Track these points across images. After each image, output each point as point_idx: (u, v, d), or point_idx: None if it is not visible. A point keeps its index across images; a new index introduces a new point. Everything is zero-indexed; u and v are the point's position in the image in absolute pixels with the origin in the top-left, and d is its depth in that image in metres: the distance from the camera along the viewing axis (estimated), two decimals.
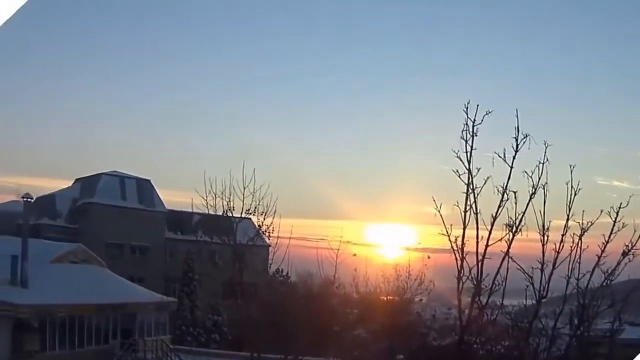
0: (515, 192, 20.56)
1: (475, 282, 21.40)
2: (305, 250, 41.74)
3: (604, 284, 21.98)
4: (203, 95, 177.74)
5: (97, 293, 54.90)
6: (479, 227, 20.90)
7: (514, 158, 20.36)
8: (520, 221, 20.73)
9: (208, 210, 30.83)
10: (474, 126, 20.42)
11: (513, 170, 20.52)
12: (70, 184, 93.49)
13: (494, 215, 20.79)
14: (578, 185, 21.03)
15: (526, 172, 20.51)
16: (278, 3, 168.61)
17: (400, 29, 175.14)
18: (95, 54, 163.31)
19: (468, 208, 20.78)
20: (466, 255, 21.22)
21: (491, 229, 20.83)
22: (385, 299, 35.90)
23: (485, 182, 20.62)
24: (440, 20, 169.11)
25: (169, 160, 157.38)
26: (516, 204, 20.63)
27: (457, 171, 20.74)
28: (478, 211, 20.80)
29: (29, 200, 56.78)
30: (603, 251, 21.44)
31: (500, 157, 20.30)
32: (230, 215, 30.74)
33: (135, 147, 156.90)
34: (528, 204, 20.67)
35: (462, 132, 20.58)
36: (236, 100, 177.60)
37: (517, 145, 20.27)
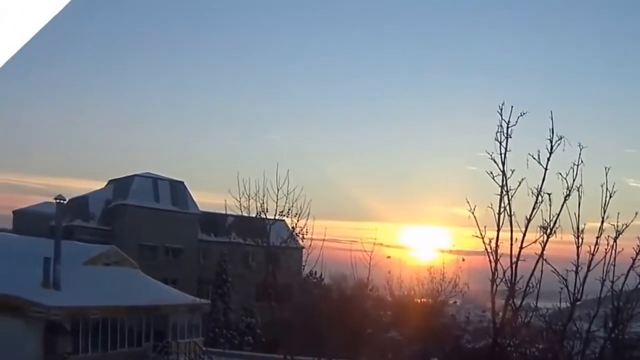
0: (549, 194, 20.51)
1: (509, 284, 21.35)
2: (338, 252, 41.77)
3: (639, 286, 21.88)
4: (236, 96, 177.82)
5: (129, 295, 55.02)
6: (513, 228, 20.86)
7: (548, 159, 20.31)
8: (555, 223, 20.66)
9: (241, 211, 30.91)
10: (507, 127, 20.39)
11: (547, 171, 20.46)
12: (103, 185, 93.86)
13: (528, 217, 20.74)
14: (613, 187, 20.99)
15: (560, 174, 20.42)
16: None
17: (436, 27, 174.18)
18: (128, 54, 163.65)
19: (502, 210, 20.76)
20: (500, 257, 21.17)
21: (525, 231, 20.79)
22: (419, 301, 35.78)
23: (520, 183, 20.58)
24: (477, 20, 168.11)
25: (202, 161, 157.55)
26: (550, 205, 20.58)
27: (491, 172, 20.73)
28: (512, 213, 20.76)
29: (62, 201, 56.95)
30: (638, 253, 21.37)
31: (534, 158, 20.25)
32: (264, 216, 30.79)
33: (168, 148, 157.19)
34: (562, 206, 20.59)
35: (496, 133, 20.54)
36: (269, 101, 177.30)
37: (552, 147, 20.21)
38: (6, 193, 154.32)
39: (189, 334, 58.89)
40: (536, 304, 22.64)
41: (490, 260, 21.28)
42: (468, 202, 21.07)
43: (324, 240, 32.12)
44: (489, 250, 21.07)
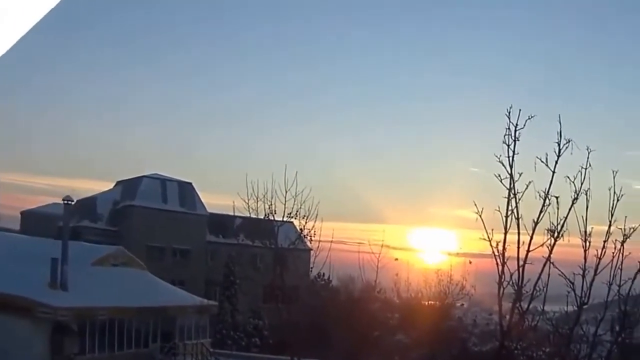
0: (557, 197, 20.49)
1: (516, 288, 21.33)
2: (345, 254, 41.61)
3: None
4: (245, 97, 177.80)
5: (137, 296, 55.02)
6: (520, 232, 20.83)
7: (556, 163, 20.31)
8: (562, 226, 20.66)
9: (249, 213, 31.02)
10: (515, 130, 20.39)
11: (555, 175, 20.46)
12: (111, 186, 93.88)
13: (535, 220, 20.73)
14: (620, 190, 20.99)
15: (568, 177, 20.42)
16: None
17: (441, 29, 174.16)
18: (137, 55, 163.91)
19: (509, 213, 20.75)
20: (507, 260, 21.15)
21: (532, 234, 20.79)
22: (426, 303, 35.75)
23: (527, 186, 20.57)
24: (483, 22, 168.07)
25: (210, 162, 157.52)
26: (558, 209, 20.58)
27: (499, 175, 20.71)
28: (519, 216, 20.75)
29: (69, 202, 56.94)
30: None
31: (542, 161, 20.26)
32: (272, 218, 30.82)
33: (177, 149, 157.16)
34: (570, 209, 20.59)
35: (504, 136, 20.55)
36: (279, 103, 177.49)
37: (559, 150, 20.20)
38: (13, 193, 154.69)
39: (197, 335, 58.85)
40: (543, 307, 22.63)
41: (497, 263, 21.26)
42: (475, 205, 21.06)
43: (331, 242, 32.14)
44: (496, 253, 21.05)
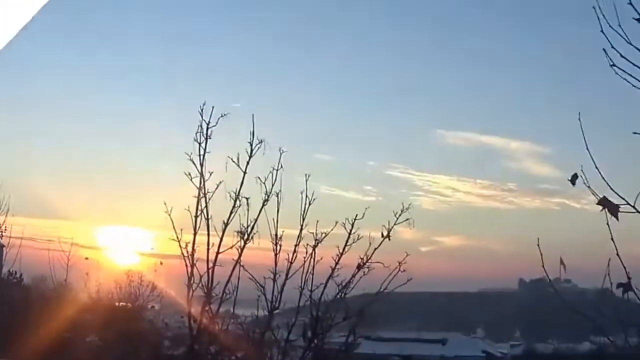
0: (247, 199, 20.04)
1: (206, 290, 20.74)
2: (36, 251, 40.72)
3: (338, 296, 21.80)
4: None
5: None
6: (210, 233, 20.24)
7: (248, 163, 19.86)
8: (252, 228, 20.19)
9: None
10: (207, 128, 19.78)
11: (246, 175, 20.02)
12: None
13: (226, 221, 20.19)
14: (312, 195, 20.84)
15: (259, 178, 20.05)
16: None
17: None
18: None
19: (199, 213, 20.08)
20: (197, 261, 20.50)
21: (222, 235, 20.22)
22: (118, 304, 35.20)
23: (217, 186, 19.98)
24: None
25: None
26: (248, 210, 20.10)
27: (189, 174, 20.02)
28: (209, 216, 20.13)
29: None
30: (337, 263, 21.23)
31: (233, 161, 19.78)
32: None
33: None
34: (260, 211, 20.18)
35: (196, 133, 19.92)
36: None
37: (252, 150, 19.80)
38: None
39: None
40: (233, 310, 22.14)
41: (186, 265, 20.55)
42: (165, 204, 20.30)
43: (22, 238, 31.06)
44: (186, 254, 20.34)
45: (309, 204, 20.80)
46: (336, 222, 21.04)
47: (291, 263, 20.92)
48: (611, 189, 7.97)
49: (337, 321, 22.59)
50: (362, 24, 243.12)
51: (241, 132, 20.08)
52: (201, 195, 20.04)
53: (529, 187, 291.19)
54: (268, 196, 20.04)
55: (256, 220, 20.19)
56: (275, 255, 20.90)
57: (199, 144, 19.89)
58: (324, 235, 20.88)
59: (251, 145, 19.77)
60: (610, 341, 10.16)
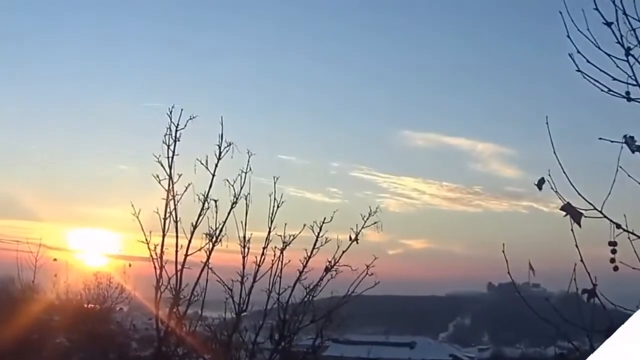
0: (216, 201, 20.13)
1: (174, 292, 20.79)
2: (4, 252, 40.71)
3: (306, 299, 21.93)
4: None
5: None
6: (179, 235, 20.29)
7: (216, 165, 19.95)
8: (221, 231, 20.28)
9: None
10: (176, 130, 19.85)
11: (215, 178, 20.11)
12: None
13: (194, 223, 20.26)
14: (281, 197, 20.97)
15: (228, 181, 20.15)
16: None
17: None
18: None
19: (168, 215, 20.13)
20: (165, 263, 20.54)
21: (191, 238, 20.27)
22: (87, 306, 35.22)
23: (186, 188, 20.04)
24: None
25: None
26: (217, 213, 20.18)
27: (158, 176, 20.07)
28: (178, 219, 20.19)
29: None
30: (305, 265, 21.38)
31: (202, 164, 19.86)
32: None
33: None
34: (229, 214, 20.28)
35: (165, 136, 19.98)
36: None
37: (220, 153, 19.89)
38: None
39: None
40: (201, 312, 22.19)
41: (155, 267, 20.60)
42: (133, 206, 20.32)
43: None
44: (154, 256, 20.39)
45: (278, 206, 20.89)
46: (304, 225, 21.22)
47: (259, 266, 21.00)
48: (578, 193, 8.07)
49: (304, 324, 22.70)
50: (326, 24, 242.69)
51: (209, 134, 20.20)
52: (170, 197, 20.11)
53: (495, 190, 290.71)
54: (237, 198, 20.16)
55: (224, 222, 20.31)
56: (244, 257, 21.00)
57: (168, 146, 19.96)
58: (292, 237, 21.00)
59: (220, 147, 19.87)
60: (574, 347, 10.21)
